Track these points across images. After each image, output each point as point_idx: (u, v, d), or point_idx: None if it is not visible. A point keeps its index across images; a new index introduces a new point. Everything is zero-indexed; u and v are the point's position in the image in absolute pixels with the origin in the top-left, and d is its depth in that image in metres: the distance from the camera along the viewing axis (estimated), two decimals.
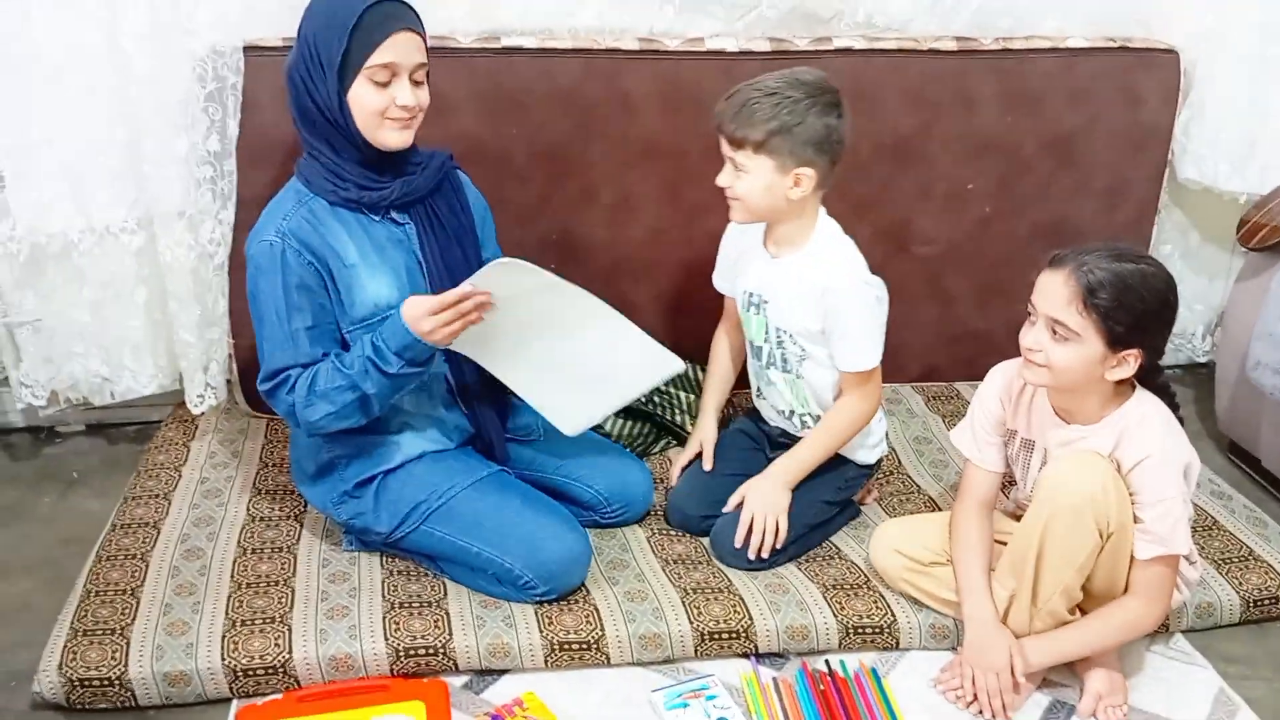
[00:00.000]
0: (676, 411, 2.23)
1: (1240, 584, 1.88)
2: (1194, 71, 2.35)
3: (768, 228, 1.92)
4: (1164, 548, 1.60)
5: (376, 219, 1.77)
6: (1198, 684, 1.75)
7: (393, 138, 1.71)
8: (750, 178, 1.80)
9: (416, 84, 1.71)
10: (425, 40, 1.72)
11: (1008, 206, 2.40)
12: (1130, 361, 1.57)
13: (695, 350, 2.36)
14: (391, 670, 1.70)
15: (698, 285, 2.34)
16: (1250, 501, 2.13)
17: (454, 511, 1.80)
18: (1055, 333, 1.57)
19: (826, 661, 1.77)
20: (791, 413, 2.00)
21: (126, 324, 2.16)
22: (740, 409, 2.25)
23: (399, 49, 1.66)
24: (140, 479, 2.11)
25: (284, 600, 1.78)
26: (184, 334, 2.12)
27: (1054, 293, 1.56)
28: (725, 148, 1.81)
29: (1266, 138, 2.32)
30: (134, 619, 1.73)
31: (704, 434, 2.10)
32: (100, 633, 1.69)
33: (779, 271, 1.91)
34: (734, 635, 1.75)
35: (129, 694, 1.64)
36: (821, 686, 1.71)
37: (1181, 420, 1.69)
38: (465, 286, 1.64)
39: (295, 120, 1.73)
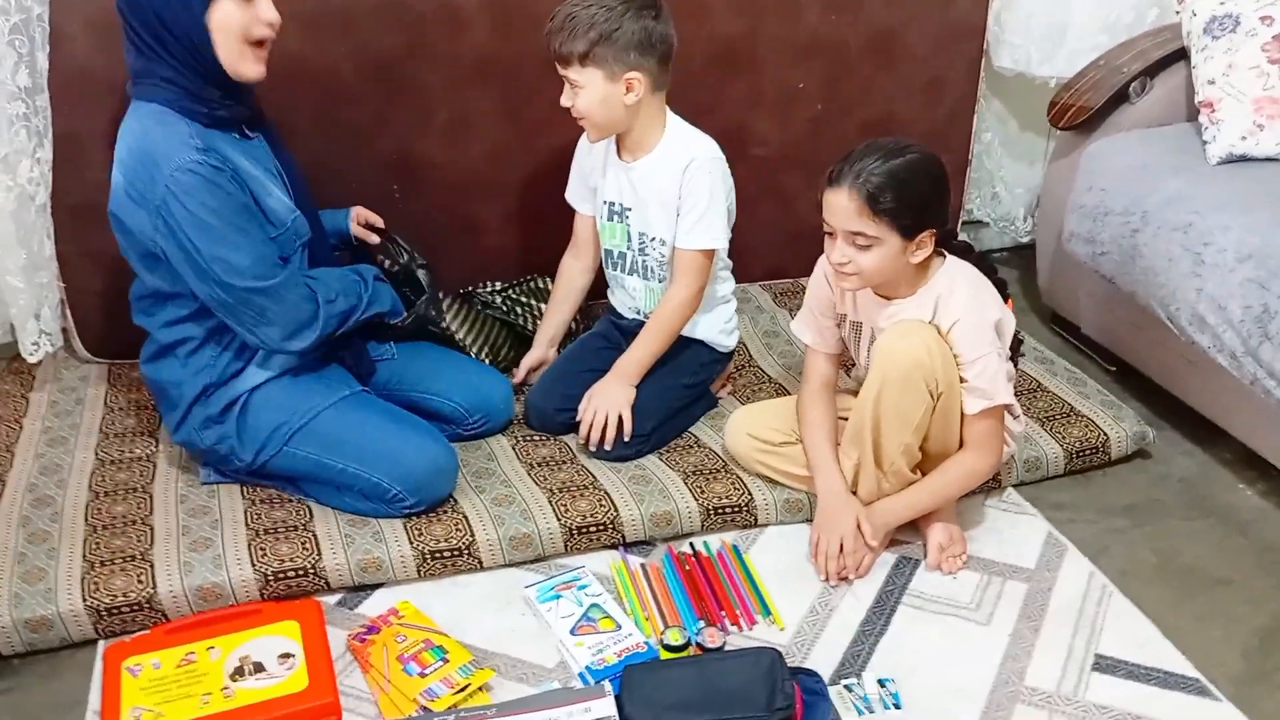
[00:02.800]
0: (534, 320, 2.25)
1: (1064, 438, 2.03)
2: None
3: (618, 138, 1.96)
4: (988, 400, 1.71)
5: (236, 136, 1.75)
6: (1029, 530, 1.89)
7: (251, 68, 1.68)
8: (586, 92, 1.84)
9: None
10: None
11: (836, 105, 2.47)
12: (927, 242, 1.68)
13: (547, 265, 2.38)
14: (262, 595, 1.70)
15: (543, 201, 2.36)
16: (1070, 365, 2.29)
17: (317, 431, 1.80)
18: (856, 243, 1.65)
19: (690, 544, 1.84)
20: (642, 313, 2.05)
21: None
22: (592, 318, 2.29)
23: None
24: None
25: (143, 538, 1.75)
26: (10, 280, 2.02)
27: (842, 208, 1.64)
28: (559, 68, 1.85)
29: (1074, 23, 2.46)
30: None
31: (531, 360, 2.15)
32: None
33: (637, 176, 1.96)
34: (601, 528, 1.81)
35: None
36: (687, 567, 1.79)
37: (994, 272, 1.80)
38: None
39: (136, 49, 1.66)
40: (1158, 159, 2.13)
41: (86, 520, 1.79)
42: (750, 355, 2.33)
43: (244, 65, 1.67)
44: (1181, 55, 2.29)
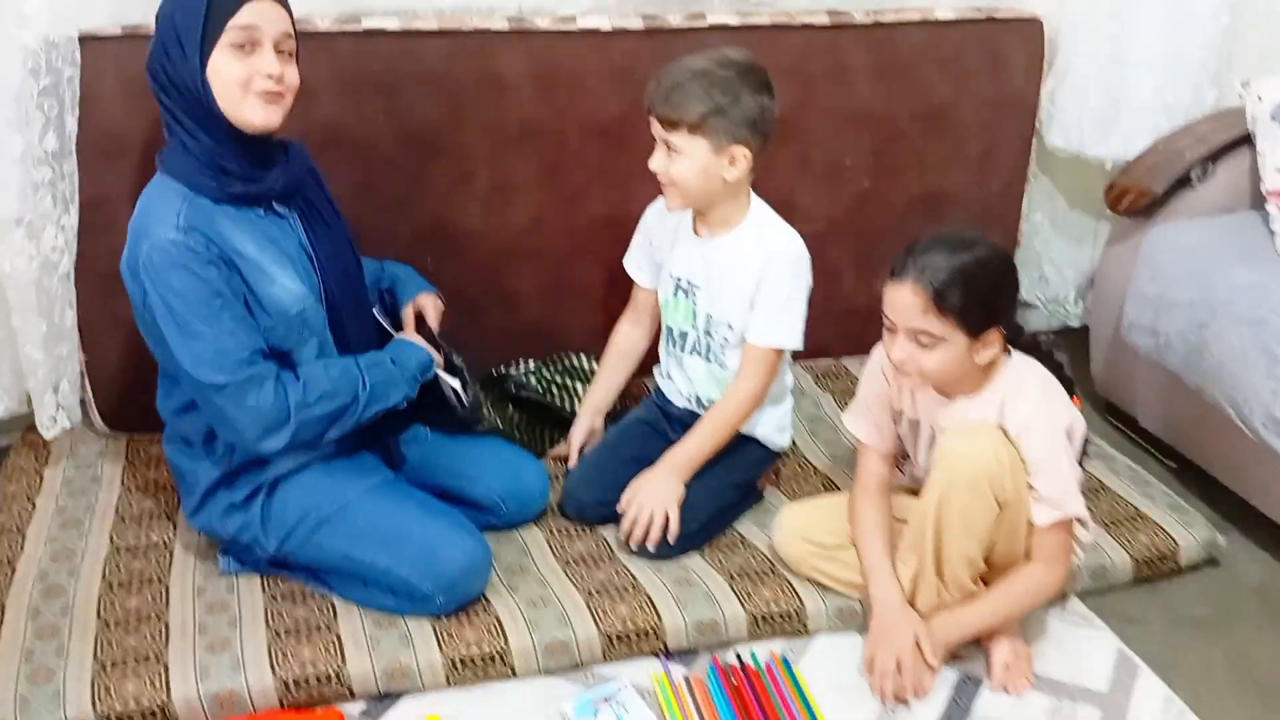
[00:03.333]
0: (573, 402, 2.16)
1: (1130, 544, 1.92)
2: (1058, 39, 2.39)
3: (697, 211, 1.88)
4: (1059, 511, 1.61)
5: (261, 213, 1.66)
6: (1097, 647, 1.78)
7: (256, 114, 1.58)
8: (686, 160, 1.75)
9: (283, 59, 1.60)
10: (292, 19, 1.62)
11: (885, 179, 2.40)
12: (994, 340, 1.59)
13: (583, 339, 2.31)
14: (281, 703, 1.59)
15: (583, 272, 2.29)
16: (1132, 462, 2.19)
17: (346, 521, 1.70)
18: (919, 341, 1.56)
19: (737, 654, 1.74)
20: (697, 400, 1.97)
21: None
22: (634, 397, 2.20)
23: (260, 14, 1.56)
24: None
25: (158, 637, 1.65)
26: (30, 351, 1.94)
27: (905, 305, 1.56)
28: (658, 130, 1.76)
29: (1128, 104, 2.38)
30: None
31: (579, 434, 2.05)
32: None
33: (713, 254, 1.87)
34: (642, 635, 1.71)
35: None
36: (734, 681, 1.68)
37: (1061, 368, 1.71)
38: None
39: (162, 112, 1.61)
40: (1225, 249, 2.04)
41: (99, 615, 1.69)
42: (794, 443, 2.22)
43: (246, 111, 1.58)
44: (1245, 140, 2.21)
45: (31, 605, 1.71)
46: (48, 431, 2.02)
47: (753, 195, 1.87)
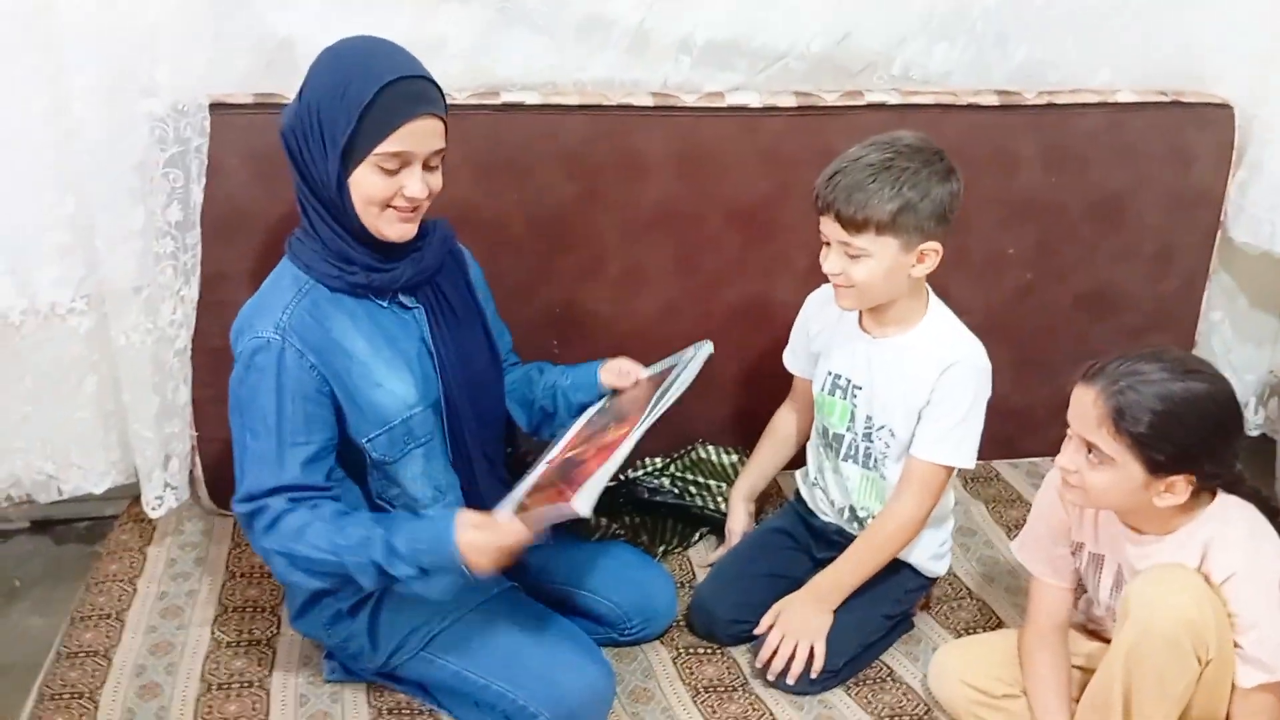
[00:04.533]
0: (710, 499, 2.01)
1: None
2: (1249, 127, 2.18)
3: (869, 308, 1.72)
4: (1268, 674, 1.40)
5: (383, 305, 1.55)
6: None
7: (393, 230, 1.48)
8: (872, 262, 1.60)
9: (429, 169, 1.48)
10: (445, 124, 1.48)
11: (1049, 273, 2.21)
12: (1181, 487, 1.39)
13: (710, 433, 2.16)
14: None
15: (716, 362, 2.12)
16: None
17: (459, 636, 1.57)
18: (1089, 455, 1.39)
19: None
20: (851, 511, 1.78)
21: (74, 415, 1.91)
22: (774, 502, 2.03)
23: (416, 137, 1.43)
24: (89, 594, 1.85)
25: None
26: (140, 428, 1.86)
27: (1084, 411, 1.39)
28: (836, 232, 1.60)
29: None
30: None
31: (738, 523, 1.91)
32: None
33: (882, 353, 1.70)
34: None
35: None
36: None
37: (1276, 513, 1.49)
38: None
39: (295, 185, 1.51)
40: None
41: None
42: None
43: (383, 226, 1.48)
44: None
45: (126, 706, 1.60)
46: (154, 511, 1.93)
47: (931, 294, 1.71)
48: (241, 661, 1.71)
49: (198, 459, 2.01)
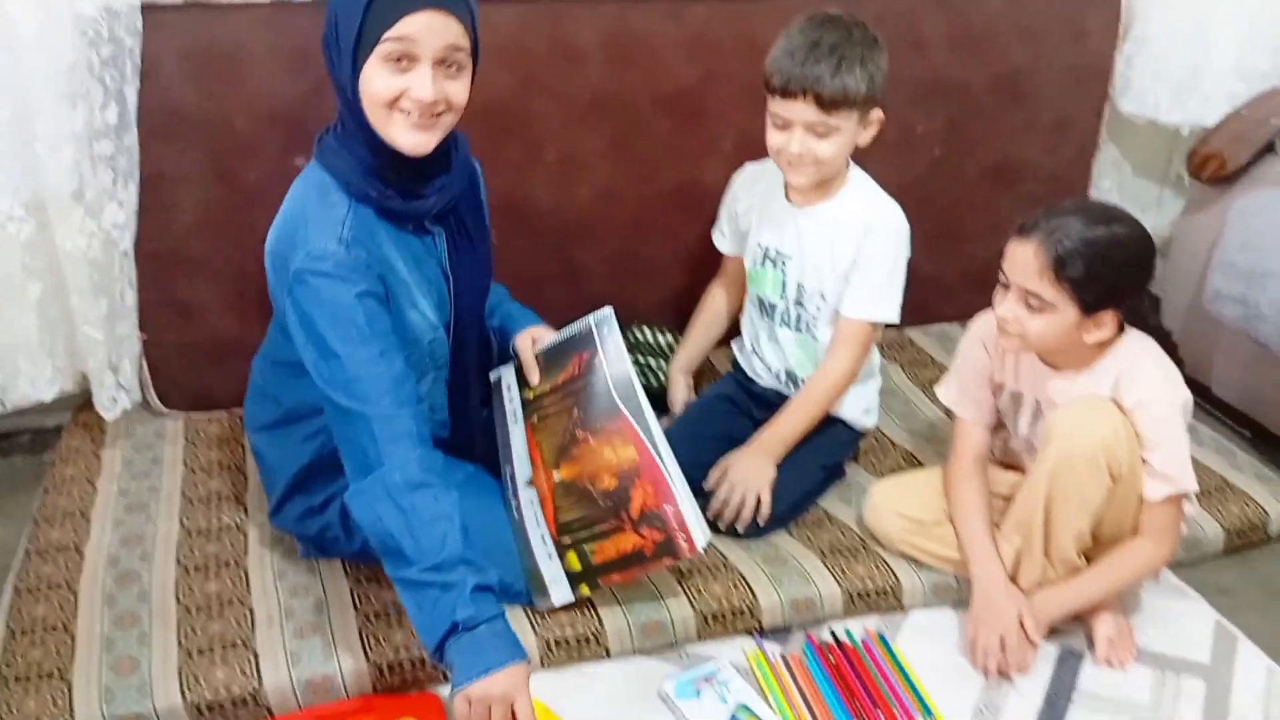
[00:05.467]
0: (653, 375, 2.12)
1: (1222, 515, 1.88)
2: (1135, 3, 2.33)
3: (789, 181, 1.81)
4: (1174, 487, 1.57)
5: (410, 229, 1.53)
6: (1195, 619, 1.75)
7: (403, 137, 1.42)
8: (839, 137, 1.69)
9: (447, 74, 1.41)
10: (470, 25, 1.41)
11: (957, 148, 2.34)
12: (1107, 322, 1.54)
13: (649, 313, 2.26)
14: (374, 687, 1.55)
15: (652, 246, 2.24)
16: (1213, 432, 2.15)
17: None
18: (1029, 304, 1.52)
19: (832, 631, 1.69)
20: (788, 374, 1.91)
21: (19, 323, 1.91)
22: (716, 370, 2.15)
23: (421, 28, 1.35)
24: (50, 496, 1.88)
25: (243, 622, 1.60)
26: (89, 330, 1.87)
27: (1025, 264, 1.51)
28: (808, 113, 1.66)
29: (1208, 68, 2.31)
30: (72, 659, 1.53)
31: (679, 395, 2.02)
32: (36, 678, 1.50)
33: (807, 222, 1.81)
34: (737, 613, 1.67)
35: None
36: (832, 658, 1.64)
37: (1175, 349, 1.66)
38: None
39: (335, 93, 1.47)
40: None
41: (178, 600, 1.64)
42: None
43: (393, 132, 1.42)
44: None
45: (106, 592, 1.66)
46: (108, 412, 1.96)
47: (851, 162, 1.81)
48: (214, 546, 1.76)
49: (144, 362, 2.04)
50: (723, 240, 1.98)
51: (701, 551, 1.52)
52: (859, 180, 1.82)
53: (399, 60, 1.37)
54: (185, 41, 1.84)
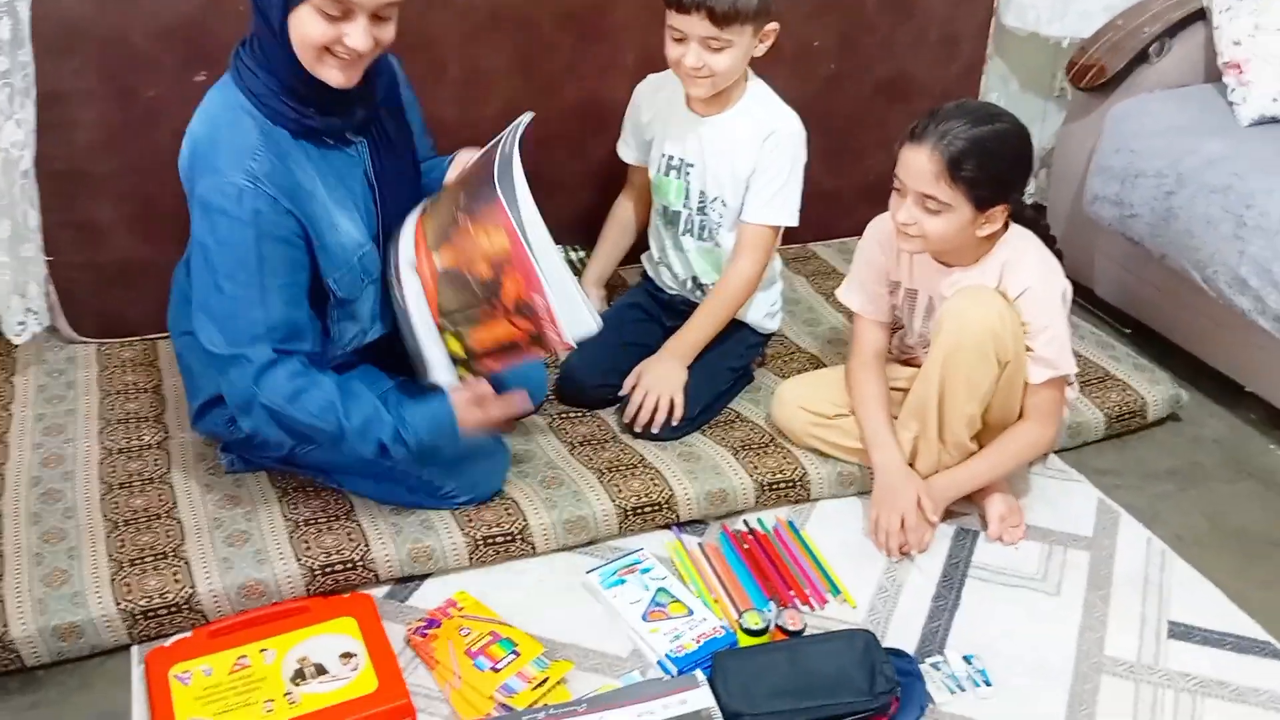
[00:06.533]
0: None
1: (1103, 402, 2.02)
2: None
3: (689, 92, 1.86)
4: (1054, 370, 1.69)
5: (331, 143, 1.52)
6: (1079, 498, 1.88)
7: (332, 75, 1.42)
8: (734, 50, 1.74)
9: (379, 20, 1.41)
10: None
11: (851, 63, 2.42)
12: (998, 216, 1.64)
13: (559, 232, 2.25)
14: (308, 591, 1.59)
15: (558, 164, 2.27)
16: (1094, 328, 2.29)
17: None
18: (926, 206, 1.60)
19: (745, 522, 1.79)
20: (694, 281, 1.98)
21: None
22: (626, 284, 2.21)
23: None
24: None
25: (172, 533, 1.63)
26: None
27: (920, 168, 1.58)
28: (701, 28, 1.71)
29: None
30: (2, 574, 1.54)
31: (592, 299, 2.08)
32: None
33: (708, 132, 1.86)
34: (656, 508, 1.74)
35: (13, 655, 1.47)
36: (746, 546, 1.73)
37: (1054, 241, 1.77)
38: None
39: (252, 9, 1.44)
40: (1189, 121, 2.13)
41: (105, 516, 1.65)
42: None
43: (322, 72, 1.42)
44: (1198, 16, 2.28)
45: (30, 511, 1.66)
46: (17, 337, 1.94)
47: (749, 72, 1.87)
48: (137, 464, 1.78)
49: (52, 286, 2.01)
50: (627, 150, 2.03)
51: (573, 345, 1.51)
52: (758, 90, 1.88)
53: (335, 12, 1.36)
54: None
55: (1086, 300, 2.44)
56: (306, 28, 1.37)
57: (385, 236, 1.61)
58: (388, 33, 1.44)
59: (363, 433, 1.51)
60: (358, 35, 1.38)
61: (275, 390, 1.47)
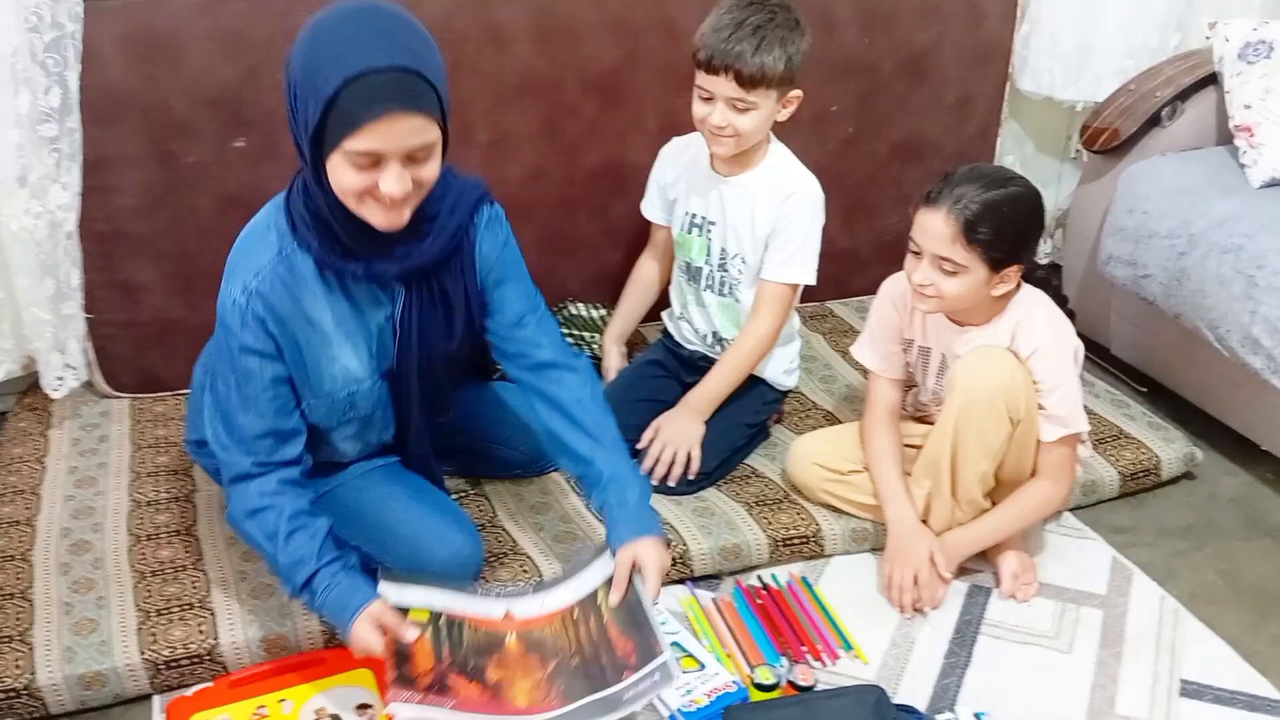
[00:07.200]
0: (587, 347, 2.21)
1: (1116, 460, 2.03)
2: None
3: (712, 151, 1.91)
4: (1066, 428, 1.71)
5: (358, 276, 1.49)
6: (1093, 555, 1.89)
7: (377, 218, 1.38)
8: (758, 113, 1.80)
9: (415, 162, 1.35)
10: (439, 109, 1.35)
11: (868, 126, 2.47)
12: (1011, 276, 1.67)
13: (582, 290, 2.35)
14: (326, 644, 1.62)
15: (581, 224, 2.33)
16: (1109, 386, 2.30)
17: (336, 501, 1.63)
18: (942, 268, 1.63)
19: (759, 577, 1.81)
20: (714, 336, 2.02)
21: None
22: (646, 342, 2.25)
23: (386, 136, 1.29)
24: None
25: (198, 585, 1.67)
26: (36, 311, 1.91)
27: (936, 232, 1.62)
28: (729, 89, 1.76)
29: (1098, 47, 2.48)
30: (32, 623, 1.58)
31: (613, 363, 2.13)
32: None
33: (730, 191, 1.92)
34: (671, 563, 1.76)
35: (38, 703, 1.51)
36: (759, 600, 1.75)
37: (1065, 301, 1.80)
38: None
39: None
40: (1200, 182, 2.15)
41: (132, 567, 1.70)
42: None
43: (367, 214, 1.38)
44: (1209, 81, 2.32)
45: (60, 561, 1.71)
46: (55, 392, 2.00)
47: (771, 135, 1.93)
48: (165, 516, 1.82)
49: (89, 343, 2.08)
50: (652, 209, 2.08)
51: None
52: (779, 152, 1.94)
53: (364, 162, 1.32)
54: (125, 26, 1.89)
55: (1102, 359, 2.46)
56: (341, 176, 1.34)
57: (402, 378, 1.59)
58: (427, 171, 1.38)
59: (288, 571, 1.47)
60: (391, 180, 1.33)
61: (240, 503, 1.49)
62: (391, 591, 1.47)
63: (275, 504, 1.47)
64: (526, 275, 1.66)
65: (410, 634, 1.44)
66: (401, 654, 1.42)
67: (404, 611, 1.47)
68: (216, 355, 1.51)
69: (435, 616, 1.49)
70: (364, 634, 1.42)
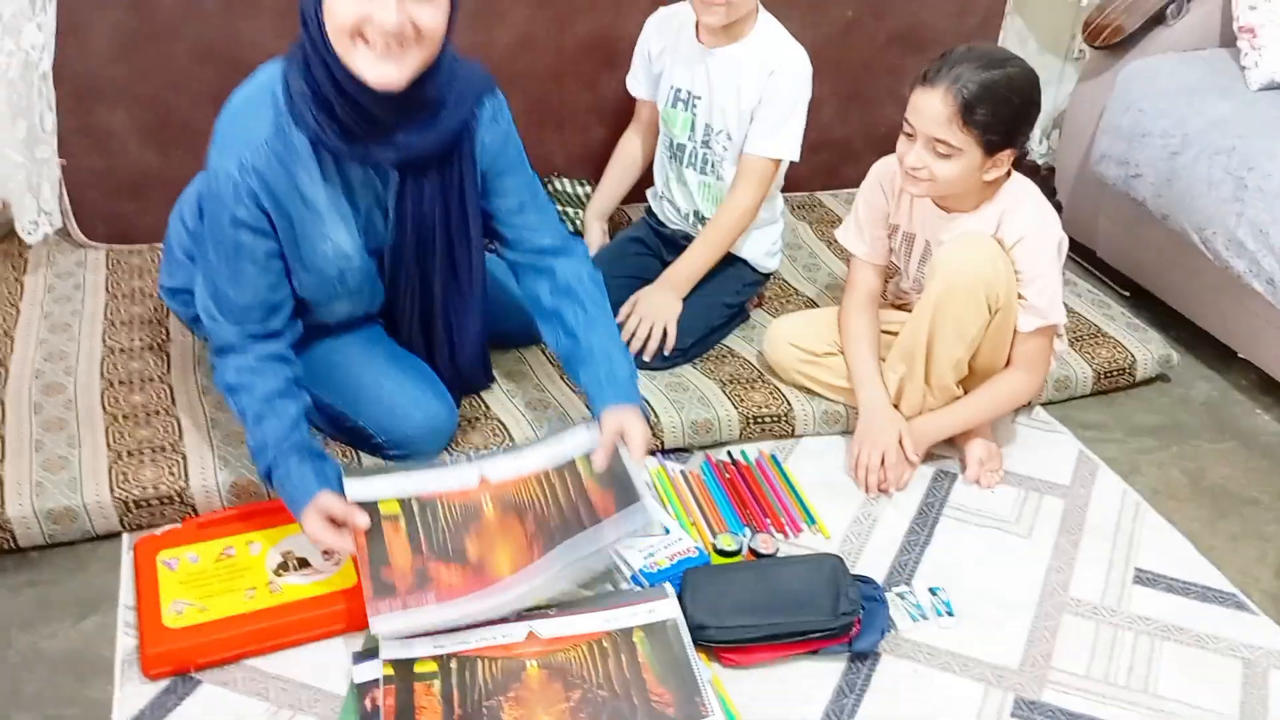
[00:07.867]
0: (569, 223, 2.19)
1: (1092, 358, 2.03)
2: None
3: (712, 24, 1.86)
4: (1044, 319, 1.71)
5: (355, 161, 1.47)
6: (1060, 448, 1.91)
7: (368, 68, 1.32)
8: None
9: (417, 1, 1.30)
10: None
11: (869, 10, 2.42)
12: (1004, 161, 1.64)
13: (567, 165, 2.32)
14: None
15: (568, 96, 2.29)
16: (1091, 287, 2.30)
17: (315, 359, 1.62)
18: (936, 150, 1.61)
19: (729, 452, 1.82)
20: (695, 215, 2.00)
21: None
22: (629, 220, 2.23)
23: None
24: None
25: (169, 429, 1.67)
26: (9, 153, 1.89)
27: (932, 113, 1.59)
28: None
29: None
30: (3, 458, 1.59)
31: (594, 239, 2.10)
32: None
33: (715, 64, 1.88)
34: (652, 436, 1.76)
35: (8, 535, 1.52)
36: (728, 475, 1.77)
37: (1054, 192, 1.78)
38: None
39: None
40: (1199, 82, 2.12)
41: (105, 409, 1.70)
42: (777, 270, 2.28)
43: (357, 62, 1.32)
44: None
45: (32, 401, 1.71)
46: (30, 237, 1.99)
47: (760, 6, 1.88)
48: (138, 364, 1.82)
49: (64, 190, 2.06)
50: (637, 84, 2.05)
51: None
52: (767, 24, 1.89)
53: None
54: None
55: (1088, 261, 2.45)
56: (335, 8, 1.29)
57: (395, 263, 1.58)
58: (427, 14, 1.31)
59: (254, 456, 1.49)
60: (384, 10, 1.27)
61: (222, 375, 1.50)
62: (357, 487, 1.46)
63: (249, 383, 1.47)
64: (527, 165, 1.64)
65: (361, 521, 1.42)
66: (378, 556, 1.42)
67: (373, 505, 1.46)
68: (206, 225, 1.47)
69: (406, 506, 1.48)
70: (312, 527, 1.42)
